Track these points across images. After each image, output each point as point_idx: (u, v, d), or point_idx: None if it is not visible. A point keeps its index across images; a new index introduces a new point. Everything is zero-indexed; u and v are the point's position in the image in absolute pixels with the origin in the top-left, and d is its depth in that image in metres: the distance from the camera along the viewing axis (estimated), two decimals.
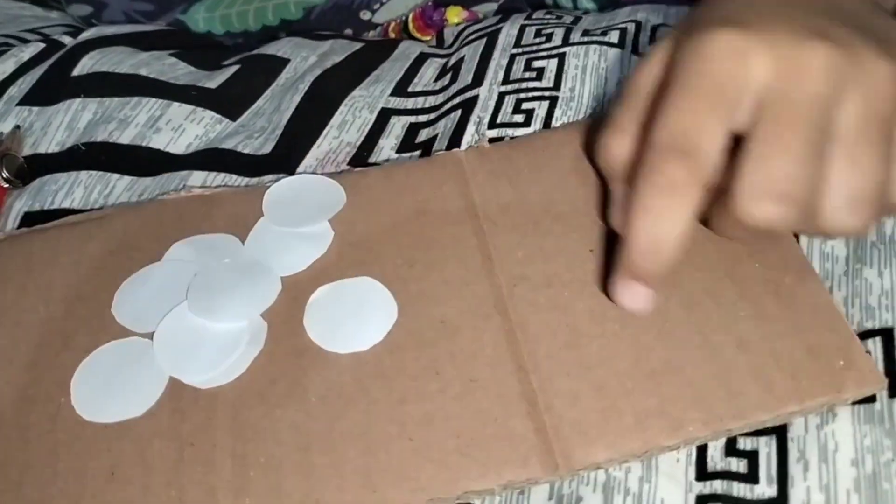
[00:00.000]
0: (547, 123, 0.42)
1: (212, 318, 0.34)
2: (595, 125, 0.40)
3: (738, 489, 0.30)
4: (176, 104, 0.46)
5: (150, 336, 0.35)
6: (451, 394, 0.32)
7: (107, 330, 0.35)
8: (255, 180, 0.42)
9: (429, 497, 0.29)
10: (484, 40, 0.48)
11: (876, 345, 0.32)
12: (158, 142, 0.44)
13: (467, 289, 0.35)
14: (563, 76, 0.44)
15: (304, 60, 0.49)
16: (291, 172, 0.42)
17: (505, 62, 0.46)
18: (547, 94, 0.43)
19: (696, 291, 0.33)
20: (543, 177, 0.38)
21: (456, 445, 0.30)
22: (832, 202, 0.28)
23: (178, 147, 0.44)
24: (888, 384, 0.31)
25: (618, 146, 0.33)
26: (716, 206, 0.32)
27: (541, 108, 0.43)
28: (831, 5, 0.31)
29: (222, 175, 0.42)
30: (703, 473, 0.31)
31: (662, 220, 0.29)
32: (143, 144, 0.44)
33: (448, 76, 0.47)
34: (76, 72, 0.48)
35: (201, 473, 0.31)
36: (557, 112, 0.42)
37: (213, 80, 0.48)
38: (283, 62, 0.49)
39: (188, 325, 0.35)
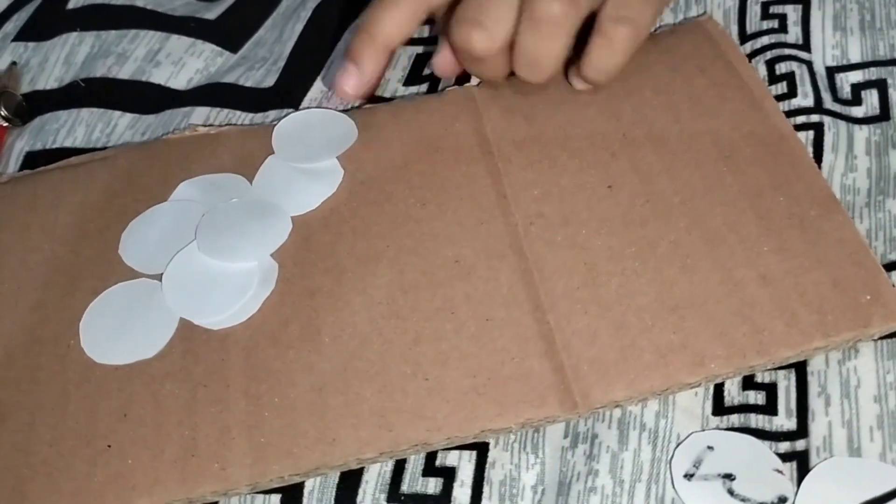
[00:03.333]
0: None
1: (222, 259, 0.34)
2: None
3: (757, 420, 0.30)
4: (175, 37, 0.45)
5: (159, 277, 0.34)
6: (467, 334, 0.31)
7: (114, 271, 0.35)
8: (259, 115, 0.41)
9: (445, 436, 0.29)
10: None
11: None
12: (159, 76, 0.43)
13: (481, 228, 0.34)
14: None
15: None
16: (296, 106, 0.41)
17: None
18: None
19: (718, 226, 0.33)
20: (559, 111, 0.37)
21: (472, 385, 0.30)
22: (517, 57, 0.35)
23: (179, 82, 0.43)
24: None
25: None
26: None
27: None
28: None
29: (226, 111, 0.41)
30: (720, 408, 0.30)
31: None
32: (144, 79, 0.43)
33: None
34: (71, 4, 0.47)
35: (215, 413, 0.30)
36: None
37: (212, 11, 0.46)
38: None
39: (197, 266, 0.34)
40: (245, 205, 0.36)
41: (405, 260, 0.33)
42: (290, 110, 0.41)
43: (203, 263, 0.34)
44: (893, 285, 0.31)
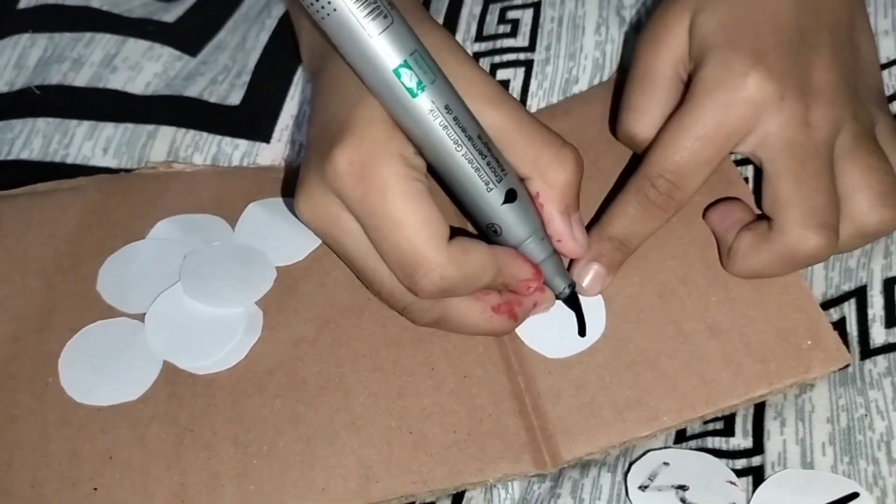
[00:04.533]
0: (522, 99, 0.42)
1: (208, 303, 0.35)
2: (569, 106, 0.41)
3: (714, 441, 0.32)
4: (132, 40, 0.44)
5: (140, 317, 0.34)
6: (447, 389, 0.33)
7: (92, 308, 0.35)
8: (228, 140, 0.41)
9: (430, 489, 0.31)
10: None
11: (850, 308, 0.34)
12: (116, 82, 0.43)
13: None
14: (539, 31, 0.43)
15: None
16: (267, 139, 0.41)
17: (478, 11, 0.45)
18: (522, 57, 0.43)
19: (669, 279, 0.35)
20: None
21: (454, 440, 0.32)
22: (864, 203, 0.33)
23: (137, 86, 0.43)
24: (860, 346, 0.33)
25: (641, 130, 0.36)
26: (751, 246, 0.34)
27: (516, 79, 0.42)
28: (831, 16, 0.35)
29: (192, 133, 0.41)
30: (682, 436, 0.33)
31: (634, 226, 0.34)
32: (101, 86, 0.43)
33: None
34: (22, 4, 0.45)
35: (203, 459, 0.31)
36: (533, 84, 0.42)
37: (170, 13, 0.46)
38: None
39: (182, 309, 0.35)
40: (229, 249, 0.36)
41: (387, 314, 0.35)
42: (261, 143, 0.41)
43: (188, 306, 0.35)
44: (841, 318, 0.34)
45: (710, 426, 0.33)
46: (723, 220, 0.35)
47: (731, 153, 0.35)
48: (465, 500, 0.32)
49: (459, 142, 0.31)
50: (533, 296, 0.34)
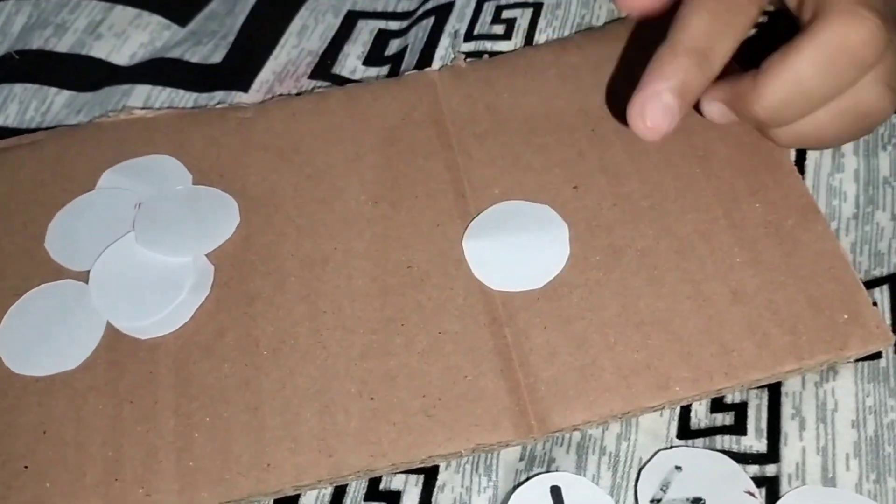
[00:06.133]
0: (530, 36, 0.38)
1: (163, 252, 0.31)
2: (583, 41, 0.36)
3: (723, 441, 0.28)
4: (119, 7, 0.42)
5: (87, 277, 0.31)
6: (418, 348, 0.29)
7: (39, 269, 0.32)
8: (204, 96, 0.38)
9: (390, 462, 0.27)
10: None
11: (883, 294, 0.30)
12: (99, 50, 0.40)
13: (437, 230, 0.31)
14: None
15: None
16: (245, 89, 0.38)
17: None
18: (530, 0, 0.39)
19: (689, 234, 0.30)
20: (524, 103, 0.35)
21: (421, 405, 0.28)
22: (869, 84, 0.27)
23: (121, 57, 0.40)
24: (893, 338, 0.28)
25: None
26: (779, 54, 0.28)
27: (523, 18, 0.39)
28: None
29: (168, 91, 0.38)
30: (685, 430, 0.28)
31: (720, 29, 0.28)
32: (83, 53, 0.40)
33: None
34: None
35: (141, 432, 0.28)
36: (541, 23, 0.39)
37: None
38: None
39: (129, 263, 0.31)
40: (189, 193, 0.33)
41: (354, 264, 0.31)
42: (239, 93, 0.38)
43: (136, 260, 0.31)
44: (874, 304, 0.29)
45: (719, 419, 0.28)
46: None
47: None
48: (436, 484, 0.28)
49: None
50: None
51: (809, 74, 0.27)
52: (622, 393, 0.28)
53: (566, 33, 0.38)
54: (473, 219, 0.32)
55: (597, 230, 0.31)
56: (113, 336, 0.30)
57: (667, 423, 0.29)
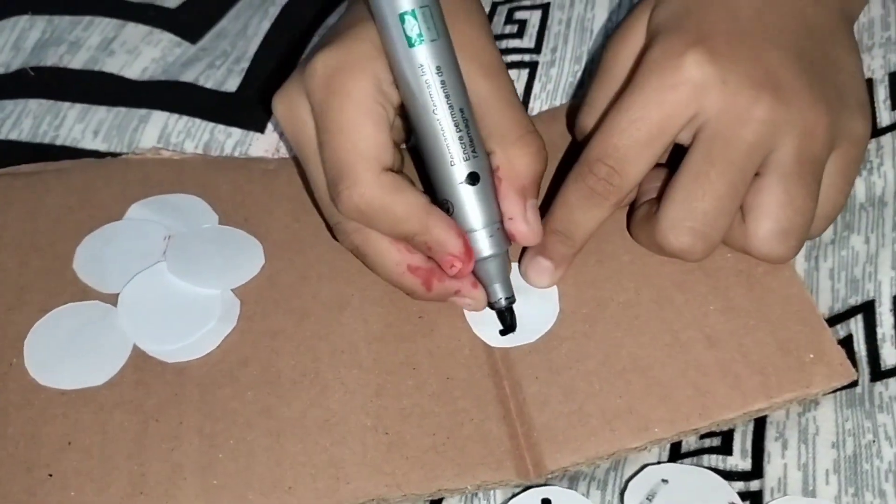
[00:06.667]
0: (525, 101, 0.41)
1: (191, 282, 0.33)
2: (573, 111, 0.39)
3: (710, 460, 0.30)
4: (131, 24, 0.43)
5: (114, 299, 0.33)
6: (428, 391, 0.32)
7: (66, 288, 0.34)
8: (222, 129, 0.40)
9: (403, 493, 0.29)
10: None
11: (857, 324, 0.32)
12: (112, 65, 0.42)
13: None
14: (546, 32, 0.42)
15: None
16: (261, 129, 0.40)
17: (486, 11, 0.41)
18: (527, 58, 0.42)
19: (666, 286, 0.33)
20: None
21: (432, 443, 0.30)
22: (762, 231, 0.31)
23: (133, 71, 0.42)
24: (869, 367, 0.31)
25: (590, 122, 0.34)
26: (641, 220, 0.33)
27: (519, 81, 0.41)
28: (798, 21, 0.33)
29: (185, 119, 0.40)
30: (676, 454, 0.31)
31: (575, 215, 0.33)
32: (96, 69, 0.42)
33: None
34: None
35: (166, 450, 0.30)
36: (536, 87, 0.41)
37: None
38: None
39: (158, 290, 0.33)
40: (218, 232, 0.35)
41: (370, 310, 0.34)
42: (256, 133, 0.40)
43: (164, 287, 0.33)
44: (847, 337, 0.32)
45: (707, 442, 0.31)
46: (645, 182, 0.33)
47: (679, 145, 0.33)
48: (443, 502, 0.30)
49: (437, 106, 0.30)
50: (457, 282, 0.32)
51: (649, 247, 0.34)
52: (607, 437, 0.30)
53: (558, 97, 0.40)
54: None
55: (583, 286, 0.34)
56: (139, 357, 0.32)
57: (657, 454, 0.31)
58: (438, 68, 0.30)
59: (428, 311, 0.34)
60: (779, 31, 0.32)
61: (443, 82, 0.30)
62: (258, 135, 0.40)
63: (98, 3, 0.44)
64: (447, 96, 0.30)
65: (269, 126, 0.40)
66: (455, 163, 0.31)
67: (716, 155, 0.30)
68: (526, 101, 0.41)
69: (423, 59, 0.30)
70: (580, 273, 0.34)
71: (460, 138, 0.30)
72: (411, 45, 0.29)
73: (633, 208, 0.34)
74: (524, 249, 0.34)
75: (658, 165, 0.33)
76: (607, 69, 0.35)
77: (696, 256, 0.31)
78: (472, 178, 0.31)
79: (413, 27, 0.29)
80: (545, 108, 0.41)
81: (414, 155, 0.36)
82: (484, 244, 0.32)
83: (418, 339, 0.33)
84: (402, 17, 0.29)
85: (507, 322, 0.33)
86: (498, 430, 0.31)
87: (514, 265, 0.34)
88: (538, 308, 0.34)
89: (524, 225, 0.32)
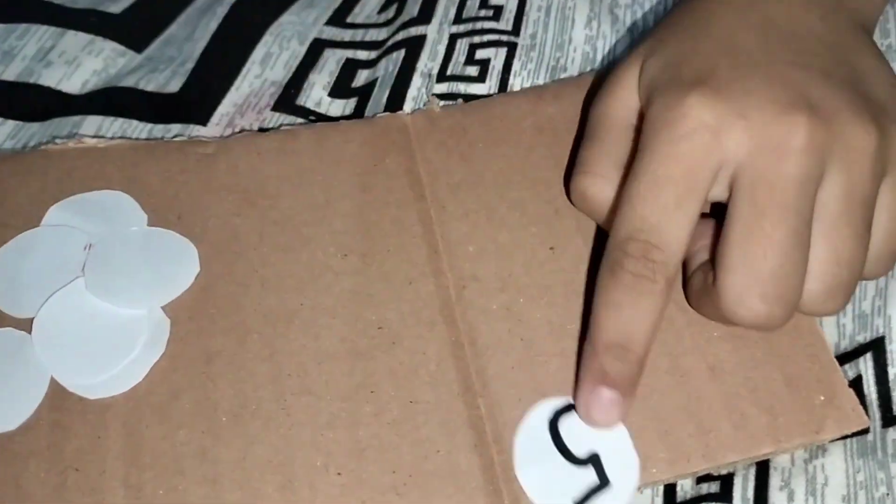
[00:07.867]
0: (504, 79, 0.37)
1: (114, 303, 0.29)
2: (560, 90, 0.35)
3: None
4: (71, 32, 0.39)
5: (29, 325, 0.29)
6: (387, 419, 0.27)
7: None
8: (160, 127, 0.36)
9: None
10: None
11: (867, 363, 0.29)
12: (49, 78, 0.38)
13: (410, 288, 0.30)
14: (524, 18, 0.39)
15: None
16: (204, 122, 0.36)
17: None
18: (504, 38, 0.38)
19: (668, 307, 0.30)
20: (500, 153, 0.33)
21: (391, 482, 0.26)
22: (812, 288, 0.26)
23: (73, 85, 0.37)
24: (881, 411, 0.28)
25: (598, 192, 0.29)
26: (699, 291, 0.28)
27: (497, 58, 0.38)
28: (812, 40, 0.28)
29: (120, 121, 0.36)
30: (671, 501, 0.28)
31: (629, 317, 0.26)
32: (31, 81, 0.38)
33: (394, 7, 0.41)
34: None
35: None
36: (516, 64, 0.38)
37: (117, 4, 0.41)
38: None
39: (75, 313, 0.29)
40: (145, 235, 0.31)
41: (321, 322, 0.29)
42: (197, 126, 0.36)
43: (82, 309, 0.29)
44: (857, 377, 0.28)
45: (705, 488, 0.27)
46: (693, 242, 0.28)
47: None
48: None
49: None
50: None
51: (716, 320, 0.28)
52: None
53: (541, 76, 0.37)
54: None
55: (573, 295, 0.30)
56: (58, 394, 0.28)
57: (650, 499, 0.28)
58: None
59: (388, 320, 0.29)
60: (794, 54, 0.27)
61: None
62: (200, 127, 0.36)
63: (36, 9, 0.40)
64: None
65: (213, 120, 0.36)
66: None
67: (763, 202, 0.25)
68: (506, 77, 0.37)
69: None
70: (572, 280, 0.31)
71: None
72: None
73: (685, 276, 0.29)
74: (576, 383, 0.28)
75: (701, 216, 0.27)
76: (599, 130, 0.30)
77: (778, 323, 0.26)
78: None
79: None
80: (526, 85, 0.37)
81: None
82: None
83: (377, 356, 0.29)
84: None
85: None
86: (468, 462, 0.27)
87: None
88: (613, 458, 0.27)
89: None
